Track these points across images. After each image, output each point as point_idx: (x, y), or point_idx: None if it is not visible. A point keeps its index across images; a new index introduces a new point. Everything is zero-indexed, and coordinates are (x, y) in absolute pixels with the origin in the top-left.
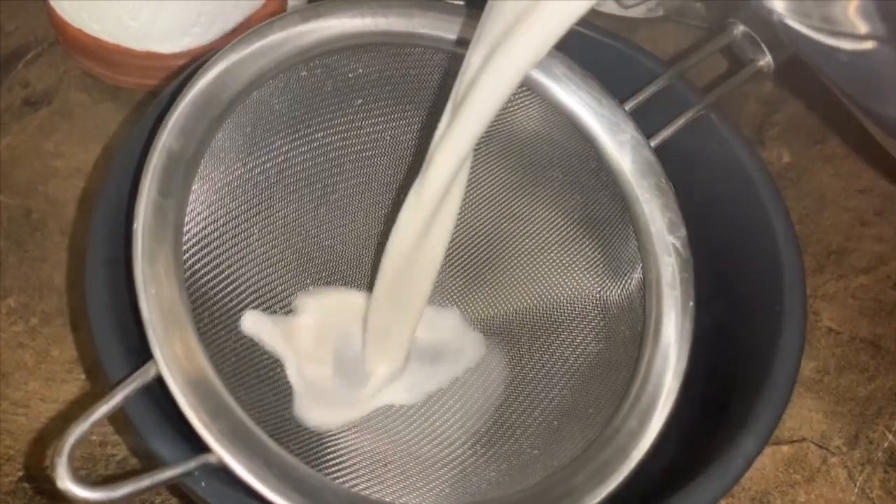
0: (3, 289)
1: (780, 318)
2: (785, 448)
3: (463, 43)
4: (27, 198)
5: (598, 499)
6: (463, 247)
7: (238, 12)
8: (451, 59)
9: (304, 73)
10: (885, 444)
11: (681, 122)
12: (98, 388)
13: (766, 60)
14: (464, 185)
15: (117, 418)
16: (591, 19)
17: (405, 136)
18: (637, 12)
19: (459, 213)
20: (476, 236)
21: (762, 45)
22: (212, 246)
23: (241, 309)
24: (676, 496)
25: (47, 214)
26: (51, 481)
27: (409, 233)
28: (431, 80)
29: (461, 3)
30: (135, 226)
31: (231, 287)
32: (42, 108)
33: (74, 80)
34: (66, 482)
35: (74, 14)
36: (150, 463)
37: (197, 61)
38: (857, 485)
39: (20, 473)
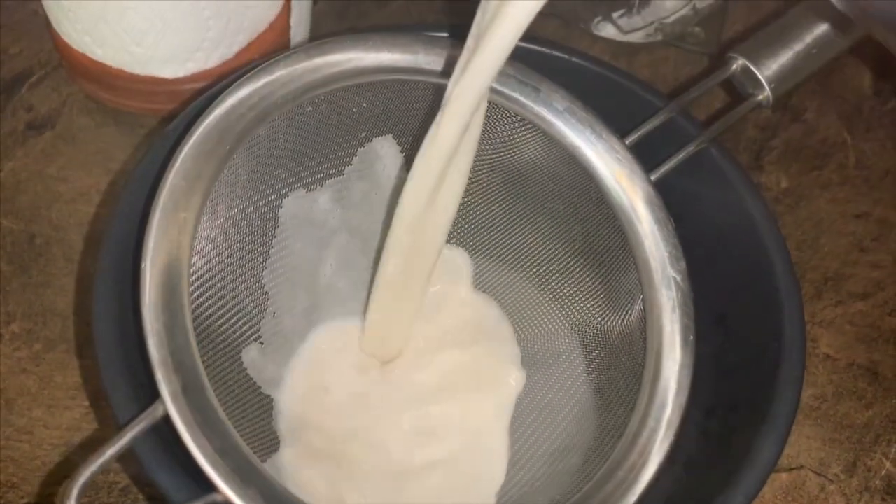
0: (6, 314)
1: (779, 353)
2: (783, 475)
3: None
4: (31, 223)
5: None
6: None
7: (241, 37)
8: None
9: (309, 108)
10: (883, 472)
11: (681, 156)
12: (101, 416)
13: (764, 94)
14: (477, 139)
15: (124, 463)
16: (589, 44)
17: (408, 168)
18: (636, 37)
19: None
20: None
21: (761, 79)
22: (216, 279)
23: (245, 342)
24: None
25: (51, 239)
26: None
27: (424, 182)
28: (434, 113)
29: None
30: (143, 265)
31: (234, 320)
32: (45, 131)
33: (78, 104)
34: None
35: (78, 38)
36: (151, 492)
37: (206, 92)
38: None
39: (24, 501)
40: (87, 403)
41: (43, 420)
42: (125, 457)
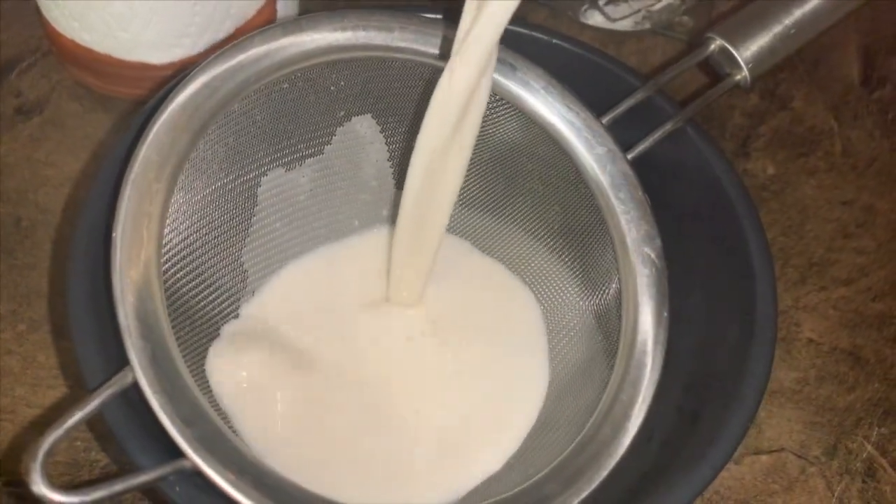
0: None
1: (751, 329)
2: (764, 457)
3: (443, 56)
4: (18, 206)
5: None
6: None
7: (228, 23)
8: (431, 72)
9: (285, 85)
10: (864, 455)
11: (657, 134)
12: (81, 396)
13: (742, 75)
14: (489, 86)
15: (99, 427)
16: (577, 33)
17: (388, 147)
18: (624, 26)
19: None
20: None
21: (739, 59)
22: (194, 255)
23: (224, 319)
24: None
25: (37, 223)
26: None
27: (440, 129)
28: (413, 92)
29: (439, 17)
30: (114, 234)
31: (212, 296)
32: (34, 117)
33: (66, 90)
34: (39, 486)
35: (66, 24)
36: (131, 469)
37: (184, 72)
38: (836, 495)
39: (4, 478)
40: (69, 383)
41: (26, 399)
42: (103, 437)
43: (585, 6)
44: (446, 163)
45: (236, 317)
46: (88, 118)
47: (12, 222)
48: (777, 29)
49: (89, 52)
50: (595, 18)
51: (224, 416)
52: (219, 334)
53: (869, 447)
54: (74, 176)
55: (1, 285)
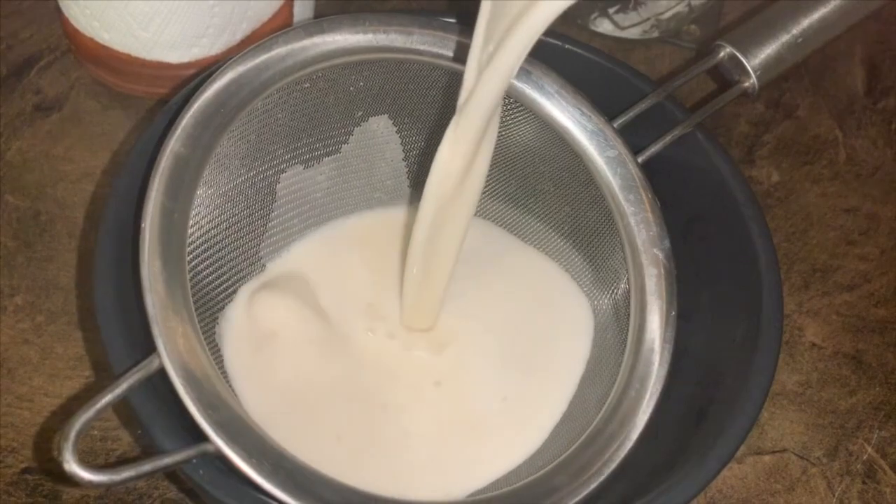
0: (10, 287)
1: (757, 328)
2: (766, 458)
3: (459, 59)
4: (36, 200)
5: (578, 497)
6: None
7: (245, 24)
8: (448, 75)
9: (307, 85)
10: (865, 457)
11: (667, 139)
12: (102, 385)
13: (750, 82)
14: (497, 126)
15: (121, 413)
16: (587, 40)
17: (403, 147)
18: (633, 34)
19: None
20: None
21: (748, 66)
22: (214, 248)
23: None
24: (647, 498)
25: (55, 216)
26: (52, 473)
27: (441, 189)
28: (429, 94)
29: (454, 21)
30: (143, 225)
31: (232, 290)
32: (53, 113)
33: (85, 88)
34: (71, 465)
35: (86, 23)
36: (153, 454)
37: (206, 71)
38: (836, 495)
39: (23, 465)
40: (87, 374)
41: (44, 388)
42: (127, 422)
43: (595, 14)
44: (451, 214)
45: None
46: (106, 115)
47: (31, 216)
48: (785, 38)
49: (108, 50)
50: (604, 26)
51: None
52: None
53: (869, 449)
54: (92, 171)
55: (20, 277)
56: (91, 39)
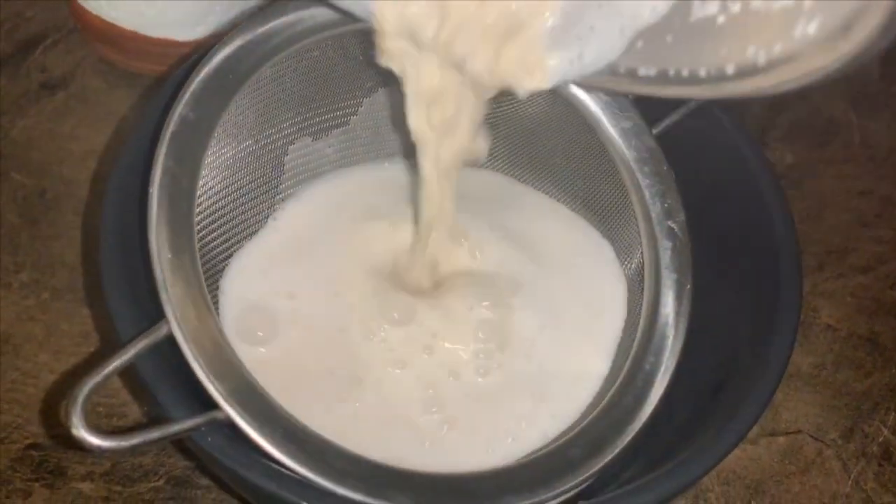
0: (15, 264)
1: (774, 305)
2: (781, 439)
3: None
4: (42, 178)
5: (592, 470)
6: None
7: (253, 2)
8: None
9: (315, 53)
10: (881, 439)
11: (683, 110)
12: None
13: None
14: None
15: (130, 383)
16: None
17: None
18: None
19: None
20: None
21: None
22: (223, 219)
23: None
24: (658, 473)
25: (61, 194)
26: (59, 440)
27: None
28: None
29: None
30: (150, 190)
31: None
32: (59, 92)
33: (91, 66)
34: (79, 430)
35: (93, 1)
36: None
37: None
38: (852, 477)
39: (27, 441)
40: (91, 350)
41: (49, 365)
42: (136, 392)
43: None
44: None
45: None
46: (112, 94)
47: (37, 194)
48: None
49: (114, 28)
50: None
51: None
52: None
53: (885, 431)
54: (97, 149)
55: (25, 254)
56: (97, 17)
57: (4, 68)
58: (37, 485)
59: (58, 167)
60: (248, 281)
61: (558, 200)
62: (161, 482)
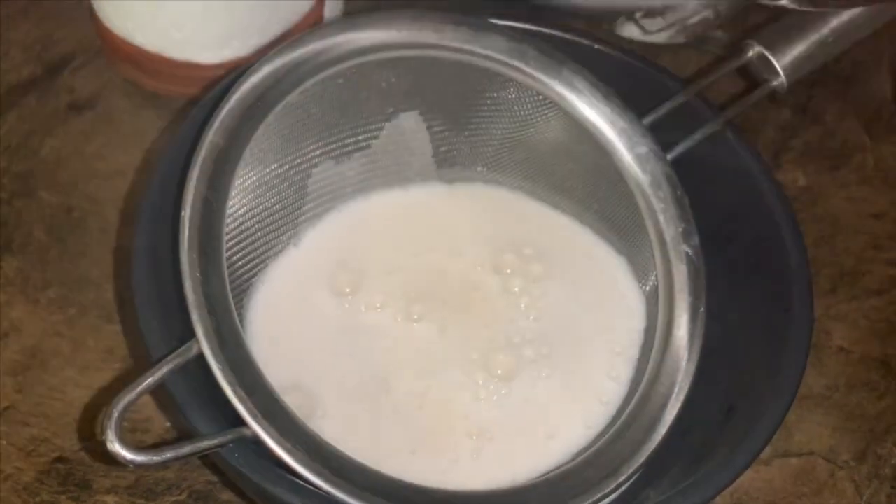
0: (43, 280)
1: (786, 328)
2: (793, 461)
3: (492, 58)
4: (69, 196)
5: (606, 490)
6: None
7: (277, 26)
8: (479, 72)
9: (341, 81)
10: (893, 461)
11: (697, 136)
12: (136, 373)
13: (779, 81)
14: None
15: (157, 398)
16: (615, 43)
17: (432, 143)
18: (659, 39)
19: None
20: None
21: (776, 65)
22: (248, 241)
23: None
24: (671, 493)
25: (88, 213)
26: (83, 462)
27: None
28: (459, 89)
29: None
30: (182, 213)
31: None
32: (86, 112)
33: (117, 88)
34: (115, 444)
35: (119, 24)
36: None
37: (239, 69)
38: (864, 499)
39: (54, 455)
40: (117, 366)
41: (75, 380)
42: (164, 406)
43: (621, 18)
44: None
45: None
46: (138, 114)
47: (64, 212)
48: (814, 37)
49: (141, 50)
50: (631, 31)
51: None
52: None
53: None
54: (124, 169)
55: (53, 271)
56: (123, 40)
57: (34, 89)
58: (63, 497)
59: (84, 186)
60: (274, 301)
61: (582, 223)
62: (183, 496)
